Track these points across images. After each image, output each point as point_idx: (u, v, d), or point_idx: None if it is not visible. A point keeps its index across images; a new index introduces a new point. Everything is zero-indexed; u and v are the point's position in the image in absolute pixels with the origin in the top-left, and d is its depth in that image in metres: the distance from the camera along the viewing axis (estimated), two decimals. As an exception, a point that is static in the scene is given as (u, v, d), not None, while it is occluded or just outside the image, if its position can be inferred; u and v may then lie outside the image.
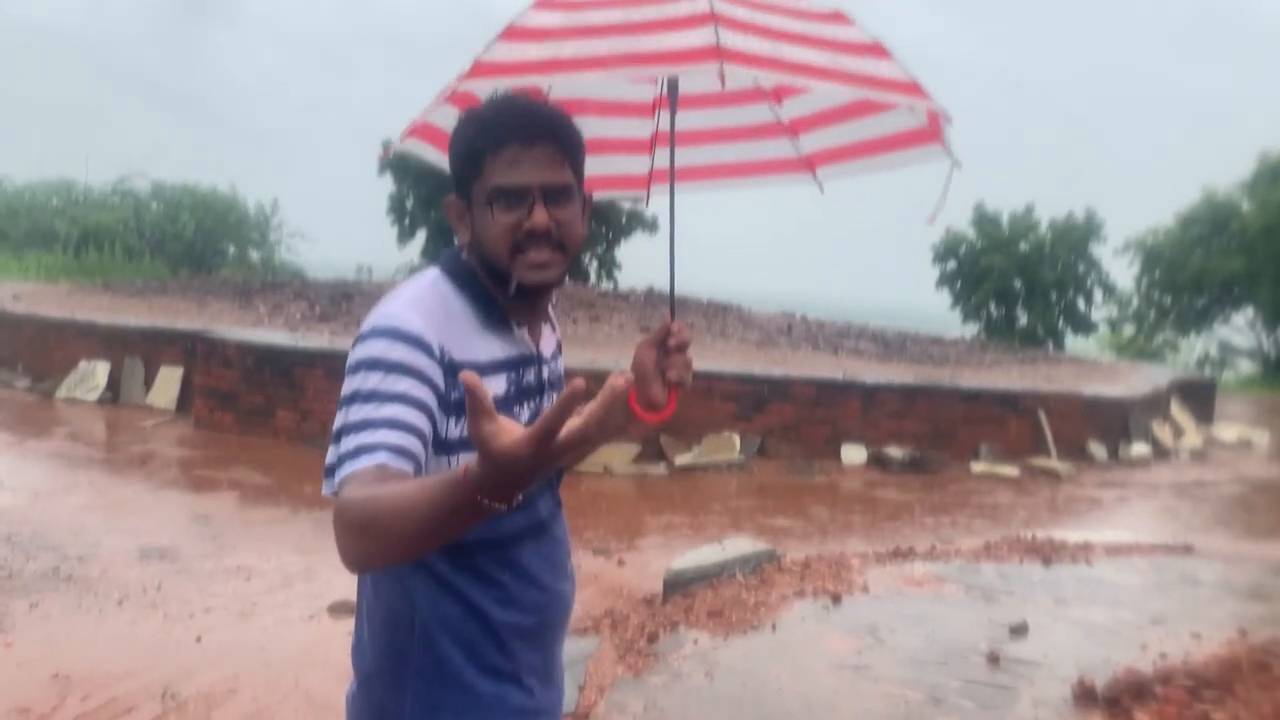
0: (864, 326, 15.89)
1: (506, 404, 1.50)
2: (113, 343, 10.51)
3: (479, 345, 1.48)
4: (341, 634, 4.44)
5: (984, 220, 34.04)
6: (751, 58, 2.29)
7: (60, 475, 7.31)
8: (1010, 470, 9.74)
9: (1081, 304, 33.50)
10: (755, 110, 2.86)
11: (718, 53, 2.27)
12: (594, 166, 1.86)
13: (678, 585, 4.99)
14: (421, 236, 31.85)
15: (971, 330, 32.14)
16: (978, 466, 9.79)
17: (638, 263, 35.22)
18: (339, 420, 1.35)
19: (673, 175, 2.30)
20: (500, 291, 1.51)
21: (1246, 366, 30.69)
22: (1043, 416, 10.53)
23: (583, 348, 10.92)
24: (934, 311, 35.99)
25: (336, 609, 4.76)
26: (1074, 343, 32.50)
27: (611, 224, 31.85)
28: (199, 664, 4.09)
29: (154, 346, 10.30)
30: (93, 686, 3.83)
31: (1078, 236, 32.98)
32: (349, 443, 1.31)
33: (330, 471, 1.32)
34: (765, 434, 9.50)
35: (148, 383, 10.13)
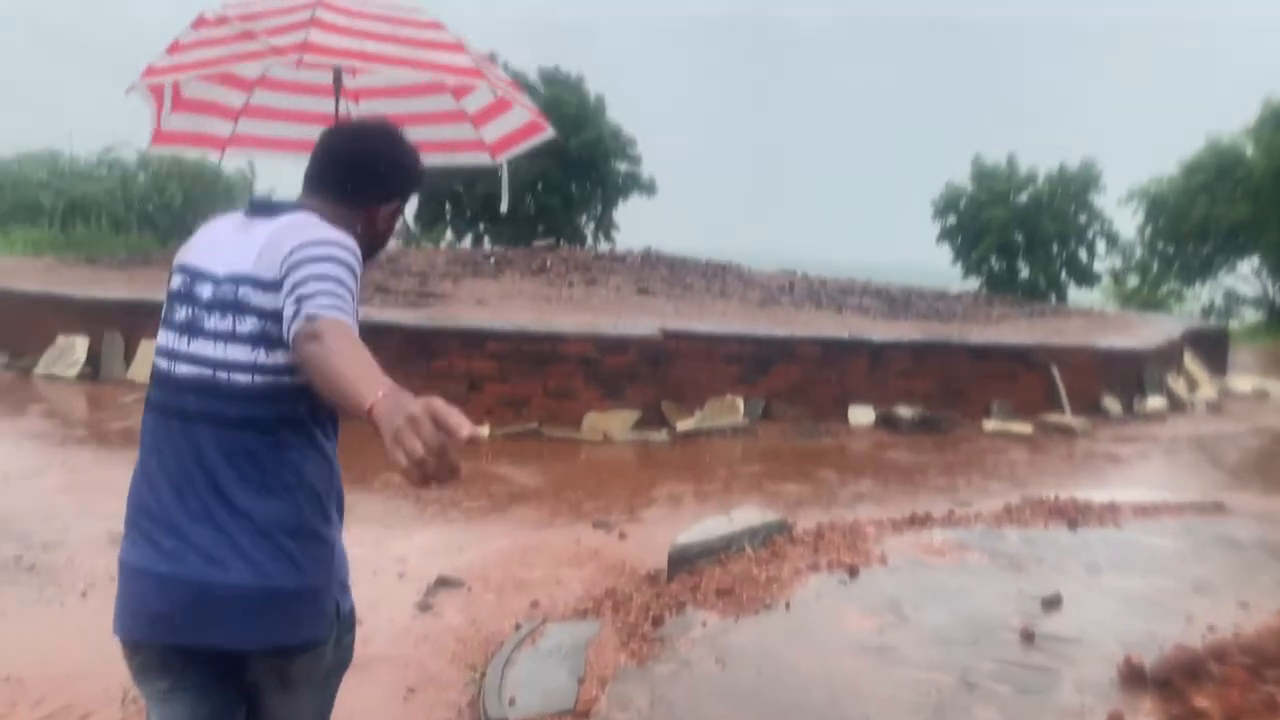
0: (867, 283, 15.51)
1: None
2: (91, 317, 10.13)
3: None
4: (441, 627, 4.14)
5: (983, 173, 33.59)
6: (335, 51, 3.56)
7: (33, 456, 6.97)
8: (1023, 427, 9.41)
9: (1083, 255, 33.17)
10: (438, 101, 4.02)
11: (304, 47, 3.48)
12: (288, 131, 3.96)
13: (683, 561, 4.66)
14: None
15: (973, 285, 31.78)
16: (990, 424, 9.46)
17: (636, 224, 34.84)
18: (327, 268, 1.78)
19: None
20: None
21: (1251, 315, 30.27)
22: (1055, 371, 10.19)
23: (579, 311, 10.56)
24: (935, 266, 35.64)
25: (443, 582, 4.67)
26: (1076, 295, 32.14)
27: (607, 185, 31.36)
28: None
29: (134, 320, 9.91)
30: (48, 690, 3.52)
31: (1076, 187, 32.58)
32: (337, 293, 1.76)
33: (313, 296, 1.74)
34: (770, 396, 9.16)
35: (128, 357, 9.77)
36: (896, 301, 13.73)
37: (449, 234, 30.88)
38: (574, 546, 5.44)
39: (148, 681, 1.93)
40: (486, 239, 30.96)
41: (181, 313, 1.92)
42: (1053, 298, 29.93)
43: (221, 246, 1.93)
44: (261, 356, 1.83)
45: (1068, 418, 9.79)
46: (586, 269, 14.09)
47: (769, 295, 13.03)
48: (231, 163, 27.84)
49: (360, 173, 2.05)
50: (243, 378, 1.83)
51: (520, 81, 30.25)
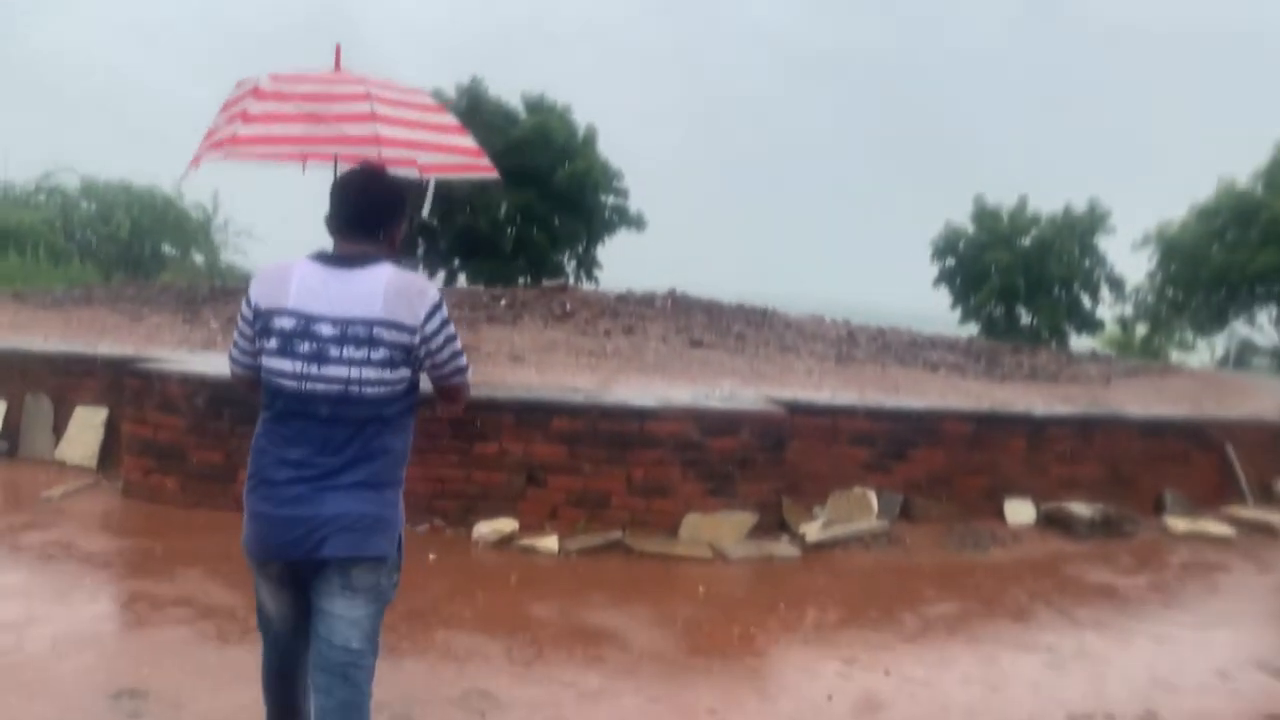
0: (930, 335, 13.54)
1: None
2: (10, 374, 7.75)
3: None
4: None
5: (984, 214, 32.19)
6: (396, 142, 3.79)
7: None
8: (1220, 528, 7.40)
9: (1086, 301, 31.90)
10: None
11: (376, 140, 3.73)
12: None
13: None
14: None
15: (971, 331, 30.28)
16: (1178, 524, 7.41)
17: (624, 261, 32.68)
18: (458, 342, 2.77)
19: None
20: None
21: (1265, 365, 28.89)
22: (1231, 451, 8.24)
23: (636, 369, 8.42)
24: (931, 311, 34.10)
25: None
26: (1077, 343, 30.62)
27: (594, 221, 29.17)
28: None
29: (67, 380, 7.57)
30: None
31: (1082, 229, 31.38)
32: (464, 360, 2.82)
33: (463, 369, 2.82)
34: (908, 489, 7.05)
35: (58, 430, 7.41)
36: (978, 356, 11.75)
37: (421, 270, 28.59)
38: None
39: (267, 580, 2.80)
40: (463, 275, 28.75)
41: (305, 346, 2.62)
42: (1054, 345, 28.47)
43: (321, 294, 2.64)
44: (388, 375, 2.64)
45: (1255, 510, 7.84)
46: (615, 314, 11.95)
47: (839, 349, 10.98)
48: (186, 192, 25.46)
49: (379, 214, 2.78)
50: (372, 390, 2.63)
51: (503, 109, 28.17)
